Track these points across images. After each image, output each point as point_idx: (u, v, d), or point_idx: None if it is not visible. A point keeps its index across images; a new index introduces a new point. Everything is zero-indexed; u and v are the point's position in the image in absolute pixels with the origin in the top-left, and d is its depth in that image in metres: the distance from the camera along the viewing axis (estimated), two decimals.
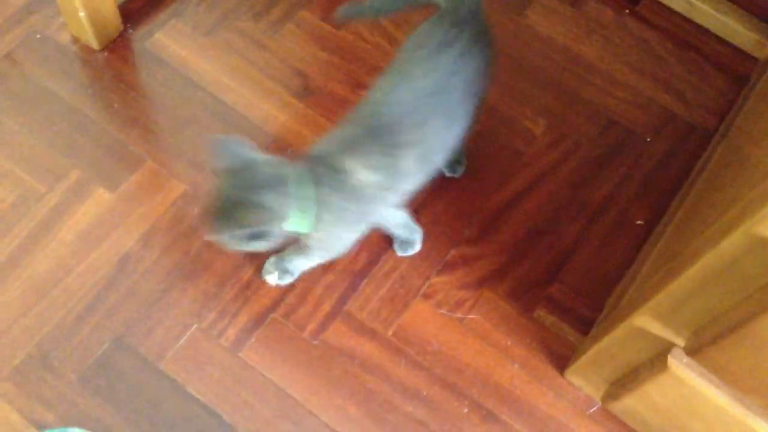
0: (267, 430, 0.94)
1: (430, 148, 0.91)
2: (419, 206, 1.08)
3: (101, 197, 1.07)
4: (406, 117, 0.88)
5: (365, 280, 1.04)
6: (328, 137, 0.90)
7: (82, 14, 1.10)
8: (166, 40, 1.20)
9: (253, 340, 0.99)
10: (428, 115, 0.89)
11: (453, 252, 1.07)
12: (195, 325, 0.99)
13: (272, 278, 1.02)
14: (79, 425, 0.92)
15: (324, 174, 0.87)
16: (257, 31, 1.22)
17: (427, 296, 1.04)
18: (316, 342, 1.00)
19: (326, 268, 1.04)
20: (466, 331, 1.02)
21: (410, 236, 1.06)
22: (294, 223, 0.85)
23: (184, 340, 0.98)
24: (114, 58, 1.18)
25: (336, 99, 1.17)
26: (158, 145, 1.12)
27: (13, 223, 1.04)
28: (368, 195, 0.89)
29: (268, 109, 1.16)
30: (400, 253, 1.06)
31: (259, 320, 1.00)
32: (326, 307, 1.02)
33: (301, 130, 1.15)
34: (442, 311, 1.03)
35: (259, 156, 0.87)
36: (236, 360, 0.98)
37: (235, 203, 0.83)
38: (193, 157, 1.11)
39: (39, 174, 1.08)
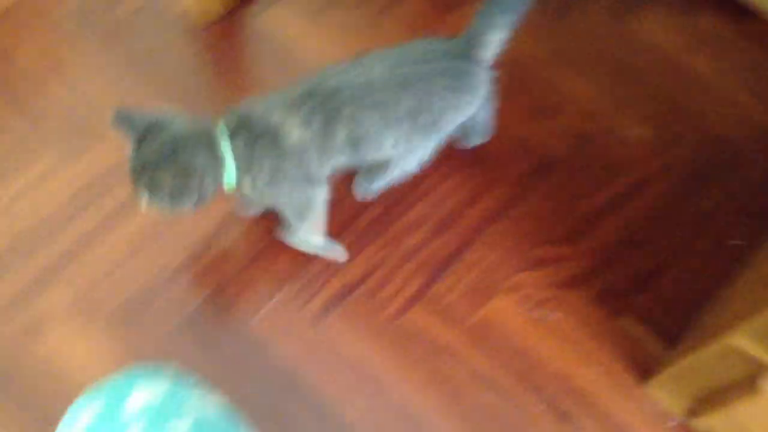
0: (340, 400, 0.97)
1: (361, 137, 0.91)
2: (513, 200, 1.08)
3: None
4: (348, 94, 0.89)
5: (451, 268, 1.05)
6: (259, 98, 0.92)
7: None
8: (276, 19, 1.23)
9: (335, 313, 1.02)
10: (367, 105, 0.90)
11: (541, 250, 1.06)
12: (283, 291, 1.03)
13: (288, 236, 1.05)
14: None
15: (249, 130, 0.88)
16: (366, 14, 1.25)
17: (511, 291, 1.04)
18: (396, 322, 1.01)
19: (411, 252, 1.05)
20: (548, 330, 1.01)
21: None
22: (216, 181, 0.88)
23: (271, 304, 1.02)
24: (224, 32, 1.22)
25: None
26: None
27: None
28: (298, 152, 0.90)
29: None
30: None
31: (343, 295, 1.03)
32: (410, 289, 1.04)
33: None
34: (525, 307, 1.03)
35: (174, 116, 0.88)
36: (318, 330, 1.00)
37: (154, 164, 0.84)
38: None
39: None
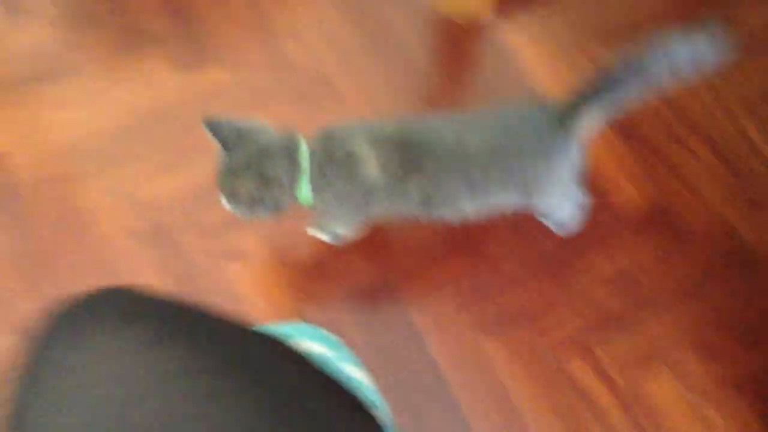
0: (475, 412, 0.98)
1: (434, 194, 0.91)
2: (701, 280, 1.05)
3: None
4: (435, 149, 0.89)
5: (621, 328, 1.03)
6: (351, 124, 0.93)
7: None
8: (519, 38, 1.27)
9: (497, 331, 1.03)
10: (452, 168, 0.89)
11: (717, 341, 1.02)
12: (452, 293, 1.06)
13: (318, 232, 1.07)
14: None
15: (329, 152, 0.90)
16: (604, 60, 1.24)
17: (676, 371, 1.01)
18: (553, 363, 1.01)
19: (586, 300, 1.05)
20: (705, 426, 0.97)
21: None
22: (292, 193, 0.91)
23: (436, 302, 1.05)
24: (467, 37, 1.27)
25: (649, 145, 1.17)
26: None
27: None
28: (368, 187, 0.91)
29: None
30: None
31: (510, 317, 1.04)
32: (575, 336, 1.03)
33: (609, 165, 1.16)
34: (684, 391, 0.99)
35: (262, 127, 0.91)
36: (475, 341, 1.02)
37: (239, 172, 0.88)
38: None
39: (366, 100, 1.20)
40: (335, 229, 1.03)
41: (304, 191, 0.92)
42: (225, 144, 0.90)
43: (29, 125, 1.17)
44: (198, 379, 0.40)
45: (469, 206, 0.94)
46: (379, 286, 1.06)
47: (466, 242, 1.09)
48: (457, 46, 1.26)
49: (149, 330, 0.42)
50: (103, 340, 0.41)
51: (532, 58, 1.25)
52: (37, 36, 1.24)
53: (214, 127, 0.90)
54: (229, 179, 0.89)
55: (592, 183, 1.13)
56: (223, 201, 0.92)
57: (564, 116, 0.89)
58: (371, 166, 0.90)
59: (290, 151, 0.90)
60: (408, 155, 0.89)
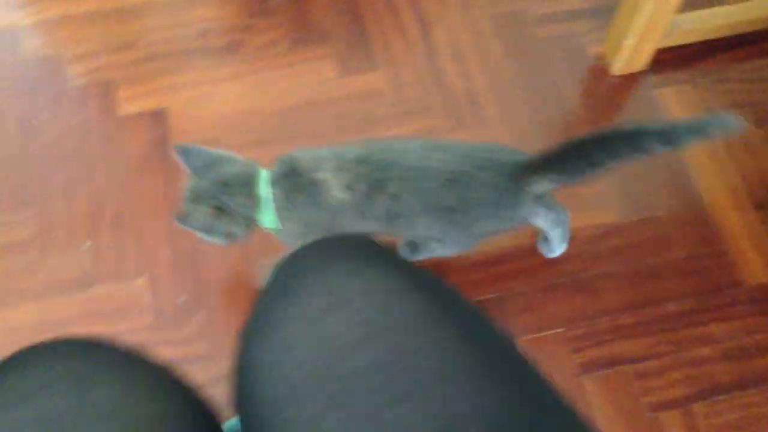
0: None
1: (398, 214, 0.92)
2: None
3: None
4: (399, 173, 0.90)
5: (722, 396, 1.04)
6: (312, 149, 0.95)
7: (626, 42, 1.23)
8: (671, 99, 1.29)
9: (599, 373, 1.05)
10: (412, 189, 0.90)
11: None
12: (563, 329, 1.09)
13: None
14: None
15: (292, 180, 0.92)
16: (756, 137, 1.25)
17: None
18: (648, 414, 1.03)
19: (693, 359, 1.06)
20: None
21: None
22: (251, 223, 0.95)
23: (547, 334, 1.08)
24: (619, 87, 1.30)
25: None
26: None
27: None
28: (335, 210, 0.92)
29: (727, 207, 1.19)
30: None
31: (613, 361, 1.06)
32: (674, 392, 1.04)
33: (739, 236, 1.16)
34: None
35: (229, 157, 0.95)
36: (576, 378, 1.05)
37: (199, 199, 0.92)
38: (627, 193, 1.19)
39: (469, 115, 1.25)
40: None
41: (269, 219, 0.96)
42: (193, 169, 0.95)
43: (194, 92, 1.28)
44: (460, 323, 0.45)
45: (420, 227, 0.95)
46: (494, 305, 1.11)
47: (586, 283, 1.12)
48: (607, 94, 1.29)
49: (408, 277, 0.47)
50: (377, 273, 0.47)
51: (678, 116, 1.27)
52: (213, 12, 1.36)
53: (184, 152, 0.95)
54: (188, 203, 0.94)
55: (721, 252, 1.14)
56: (176, 221, 0.95)
57: (518, 175, 0.90)
58: (336, 189, 0.92)
59: (248, 185, 0.94)
60: (372, 172, 0.91)
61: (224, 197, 0.93)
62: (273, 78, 1.29)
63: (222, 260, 1.12)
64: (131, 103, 1.26)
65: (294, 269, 0.49)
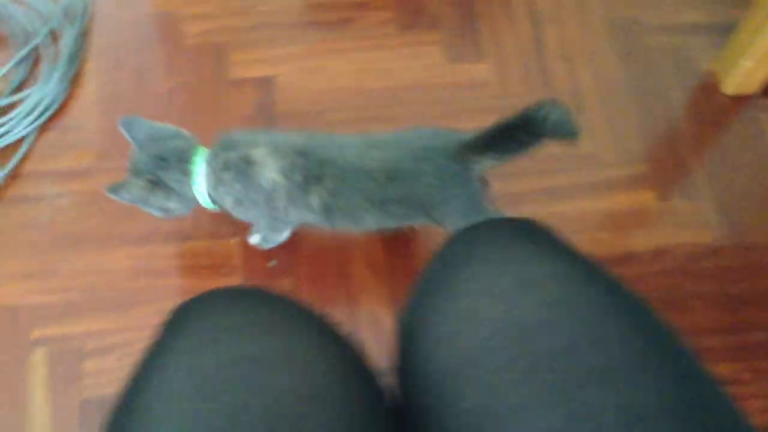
0: None
1: (334, 206, 0.92)
2: None
3: (646, 197, 1.19)
4: (336, 171, 0.90)
5: None
6: (256, 130, 0.96)
7: (743, 62, 1.21)
8: None
9: None
10: (350, 186, 0.90)
11: None
12: None
13: (254, 238, 1.10)
14: None
15: (227, 155, 0.92)
16: None
17: None
18: None
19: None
20: None
21: None
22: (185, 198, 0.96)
23: None
24: (727, 107, 1.28)
25: None
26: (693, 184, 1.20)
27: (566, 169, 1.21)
28: (266, 191, 0.92)
29: None
30: None
31: None
32: (755, 420, 1.00)
33: None
34: None
35: (174, 132, 0.95)
36: None
37: (136, 172, 0.93)
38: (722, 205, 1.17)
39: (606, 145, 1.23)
40: (274, 237, 1.08)
41: (203, 196, 0.97)
42: (136, 142, 0.95)
43: (303, 63, 1.31)
44: (642, 315, 0.48)
45: (370, 221, 0.96)
46: None
47: (677, 300, 1.11)
48: (714, 112, 1.27)
49: (590, 266, 0.49)
50: (562, 259, 0.49)
51: None
52: None
53: (128, 124, 0.95)
54: (127, 175, 0.95)
55: None
56: (107, 192, 0.95)
57: (464, 152, 0.91)
58: (270, 171, 0.91)
59: (183, 160, 0.94)
60: (309, 165, 0.91)
61: (160, 172, 0.93)
62: (380, 58, 1.31)
63: (319, 236, 1.14)
64: (243, 68, 1.29)
65: (467, 247, 0.50)
